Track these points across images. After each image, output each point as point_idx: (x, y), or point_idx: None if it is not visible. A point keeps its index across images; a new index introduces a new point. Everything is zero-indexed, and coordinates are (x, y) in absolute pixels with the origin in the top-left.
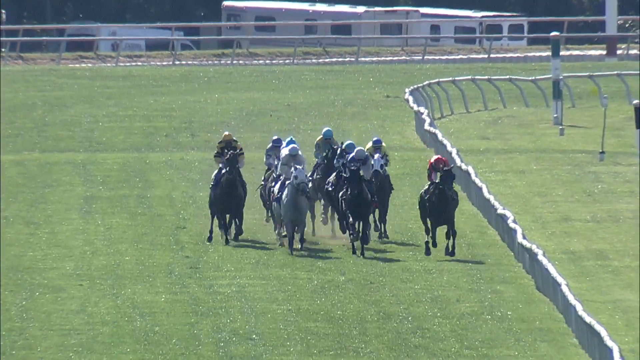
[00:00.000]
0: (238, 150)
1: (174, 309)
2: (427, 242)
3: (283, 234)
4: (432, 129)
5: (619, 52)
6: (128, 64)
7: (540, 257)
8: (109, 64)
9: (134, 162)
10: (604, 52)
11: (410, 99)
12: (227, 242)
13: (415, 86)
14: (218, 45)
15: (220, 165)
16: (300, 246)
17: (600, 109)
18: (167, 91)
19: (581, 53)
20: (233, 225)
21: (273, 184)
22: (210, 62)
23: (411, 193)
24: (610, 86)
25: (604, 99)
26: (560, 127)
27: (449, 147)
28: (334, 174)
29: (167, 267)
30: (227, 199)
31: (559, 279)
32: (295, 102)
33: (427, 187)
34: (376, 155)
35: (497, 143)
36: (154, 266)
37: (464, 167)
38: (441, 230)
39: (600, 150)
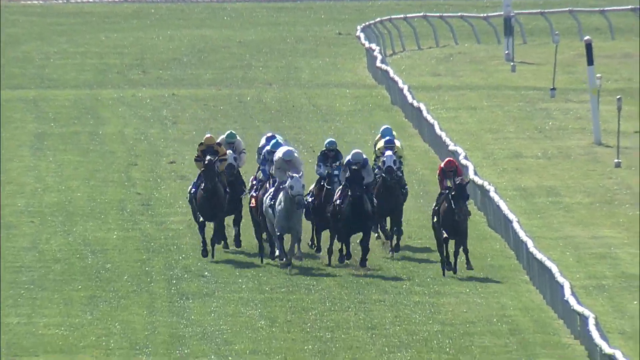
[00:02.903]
0: (217, 157)
1: (125, 246)
2: (442, 263)
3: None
4: (383, 66)
5: None
6: (80, 0)
7: (492, 193)
8: (60, 1)
9: (85, 99)
10: None
11: (362, 36)
12: (211, 253)
13: (367, 23)
14: None
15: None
16: (298, 258)
17: (551, 46)
18: (118, 28)
19: None
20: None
21: (257, 191)
22: None
23: (363, 130)
24: (562, 23)
25: (555, 35)
26: (512, 63)
27: (400, 84)
28: (315, 182)
29: (118, 204)
30: (207, 208)
31: (511, 216)
32: (247, 39)
33: (437, 201)
34: (387, 152)
35: (449, 80)
36: (105, 203)
37: (415, 104)
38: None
39: (552, 87)
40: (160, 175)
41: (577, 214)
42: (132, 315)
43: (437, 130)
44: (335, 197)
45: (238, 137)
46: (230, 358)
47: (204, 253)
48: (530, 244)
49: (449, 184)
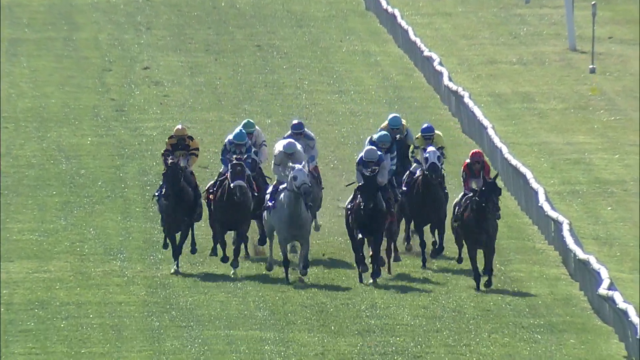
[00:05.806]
0: (181, 159)
1: (99, 152)
2: (475, 274)
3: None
4: None
5: None
6: None
7: (467, 99)
8: None
9: (59, 4)
10: None
11: None
12: (177, 264)
13: None
14: None
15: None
16: (302, 273)
17: None
18: None
19: None
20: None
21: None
22: None
23: (337, 36)
24: None
25: None
26: None
27: None
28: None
29: (92, 110)
30: (172, 216)
31: (485, 122)
32: None
33: (460, 199)
34: (430, 148)
35: None
36: (79, 109)
37: (389, 9)
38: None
39: None
40: (135, 81)
41: (552, 119)
42: (107, 221)
43: (412, 36)
44: (346, 203)
45: (257, 127)
46: (205, 264)
47: (175, 254)
48: (504, 150)
49: (474, 185)
